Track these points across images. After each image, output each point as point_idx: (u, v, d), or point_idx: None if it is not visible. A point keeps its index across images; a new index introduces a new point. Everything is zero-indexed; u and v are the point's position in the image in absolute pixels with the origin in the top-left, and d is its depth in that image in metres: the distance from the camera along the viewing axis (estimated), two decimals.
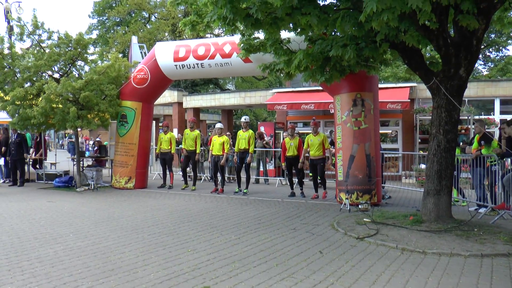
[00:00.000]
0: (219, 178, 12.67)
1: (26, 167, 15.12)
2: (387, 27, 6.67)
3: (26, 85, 12.75)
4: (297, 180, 12.16)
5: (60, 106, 12.17)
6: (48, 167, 16.82)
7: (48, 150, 19.08)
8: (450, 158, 7.70)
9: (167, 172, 13.73)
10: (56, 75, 13.25)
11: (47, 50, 12.88)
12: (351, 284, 4.82)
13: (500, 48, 32.06)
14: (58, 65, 13.13)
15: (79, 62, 13.55)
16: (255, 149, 14.79)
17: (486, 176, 9.28)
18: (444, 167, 7.65)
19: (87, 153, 17.72)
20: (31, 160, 16.02)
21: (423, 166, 13.92)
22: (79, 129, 14.25)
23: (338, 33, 8.20)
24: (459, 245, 6.35)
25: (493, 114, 16.32)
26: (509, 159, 8.55)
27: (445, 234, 6.99)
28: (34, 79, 12.79)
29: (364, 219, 8.17)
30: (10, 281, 4.88)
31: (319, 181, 11.60)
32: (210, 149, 12.60)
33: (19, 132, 14.25)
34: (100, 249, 6.28)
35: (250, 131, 12.39)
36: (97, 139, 18.00)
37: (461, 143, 13.63)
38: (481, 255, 5.93)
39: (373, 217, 8.25)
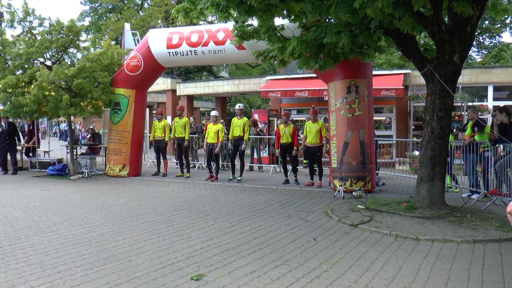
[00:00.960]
0: (214, 165, 12.67)
1: (19, 155, 15.06)
2: (381, 13, 6.64)
3: (17, 73, 12.61)
4: (291, 167, 12.17)
5: (52, 93, 12.06)
6: (41, 155, 16.75)
7: (41, 138, 18.97)
8: (443, 145, 7.73)
9: (161, 160, 13.72)
10: (48, 63, 13.11)
11: (39, 37, 12.72)
12: (345, 271, 4.86)
13: (494, 35, 32.06)
14: (50, 52, 12.98)
15: (72, 50, 13.39)
16: (249, 136, 14.80)
17: (479, 163, 9.33)
18: (438, 154, 7.68)
19: (82, 141, 17.65)
20: (24, 148, 15.94)
21: (416, 153, 13.98)
22: (72, 117, 14.17)
23: (332, 20, 8.16)
24: (452, 231, 6.41)
25: (486, 101, 16.37)
26: (501, 145, 8.59)
27: (438, 220, 7.04)
28: (26, 66, 12.65)
29: (358, 206, 8.21)
30: (4, 269, 4.87)
31: (315, 168, 11.61)
32: (205, 137, 12.58)
33: (10, 121, 14.15)
34: (95, 237, 6.27)
35: (245, 119, 12.36)
36: (91, 126, 17.95)
37: (454, 130, 13.68)
38: (473, 241, 5.99)
39: (367, 204, 8.30)
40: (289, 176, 12.06)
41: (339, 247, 5.81)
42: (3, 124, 13.96)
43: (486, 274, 4.75)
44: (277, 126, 16.32)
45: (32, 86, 12.07)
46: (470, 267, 4.98)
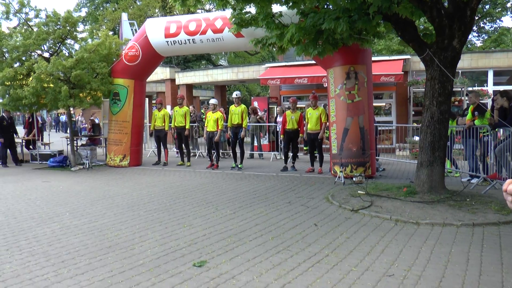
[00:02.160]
0: (214, 154, 12.69)
1: (19, 148, 15.10)
2: None
3: (15, 65, 12.58)
4: (291, 154, 12.15)
5: (51, 85, 12.04)
6: (42, 148, 16.78)
7: (45, 131, 18.99)
8: (443, 130, 7.74)
9: (162, 149, 13.75)
10: (46, 54, 13.08)
11: (35, 29, 12.67)
12: (346, 256, 4.90)
13: (495, 19, 31.84)
14: (47, 44, 12.94)
15: (69, 41, 13.36)
16: (249, 124, 14.81)
17: (478, 147, 9.36)
18: (438, 139, 7.70)
19: (82, 132, 17.68)
20: (24, 141, 15.96)
21: (416, 138, 13.99)
22: (72, 109, 14.17)
23: (330, 6, 8.12)
24: (452, 215, 6.45)
25: (487, 86, 16.33)
26: (501, 130, 8.60)
27: (438, 204, 7.08)
28: (24, 58, 12.62)
29: (359, 192, 8.25)
30: (9, 260, 4.92)
31: (315, 155, 11.63)
32: (205, 125, 12.59)
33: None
34: (97, 227, 6.32)
35: (243, 106, 12.33)
36: (91, 118, 17.95)
37: (457, 117, 13.66)
38: (472, 224, 6.03)
39: (367, 189, 8.33)
40: (288, 164, 12.04)
41: (340, 232, 5.85)
42: (5, 116, 13.95)
43: (485, 256, 4.80)
44: (276, 114, 16.38)
45: (30, 79, 12.05)
46: (469, 250, 5.03)
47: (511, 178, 7.79)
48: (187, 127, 13.10)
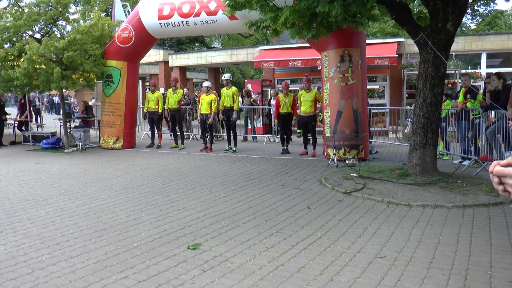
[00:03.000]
0: (208, 136, 12.69)
1: (12, 130, 15.03)
2: None
3: (6, 46, 12.44)
4: (285, 136, 12.16)
5: (43, 67, 11.94)
6: (34, 129, 16.70)
7: (39, 116, 18.89)
8: (436, 112, 7.79)
9: (155, 132, 13.73)
10: (37, 35, 12.93)
11: (26, 10, 12.50)
12: (338, 238, 4.97)
13: (489, 2, 31.72)
14: (38, 25, 12.79)
15: (61, 22, 13.21)
16: (242, 106, 14.80)
17: (470, 129, 9.43)
18: (430, 121, 7.75)
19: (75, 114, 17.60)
20: (16, 122, 15.88)
21: (410, 120, 14.05)
22: (66, 91, 14.09)
23: None
24: (443, 197, 6.53)
25: (480, 68, 16.37)
26: (492, 112, 8.66)
27: (429, 186, 7.16)
28: (14, 39, 12.47)
29: (351, 174, 8.31)
30: (3, 242, 4.95)
31: (309, 137, 11.66)
32: (199, 107, 12.55)
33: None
34: (91, 209, 6.35)
35: (233, 88, 12.24)
36: (92, 100, 17.83)
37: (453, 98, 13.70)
38: (463, 206, 6.12)
39: (360, 172, 8.40)
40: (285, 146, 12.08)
41: (333, 215, 5.92)
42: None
43: (475, 237, 4.88)
44: (270, 96, 16.36)
45: (22, 60, 11.93)
46: (459, 231, 5.11)
47: (501, 159, 7.89)
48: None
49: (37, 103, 20.22)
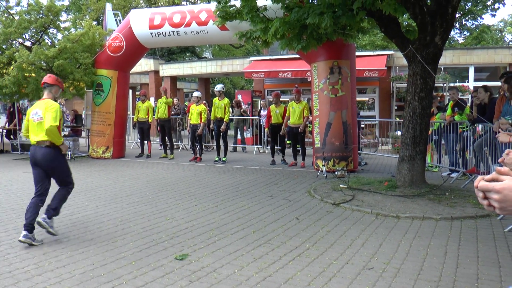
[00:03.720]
0: (197, 146, 12.68)
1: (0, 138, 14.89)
2: None
3: None
4: (280, 147, 12.18)
5: (33, 75, 11.88)
6: (23, 138, 16.53)
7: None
8: (424, 125, 7.86)
9: (145, 141, 13.68)
10: (28, 43, 12.89)
11: (17, 17, 12.46)
12: (327, 249, 4.97)
13: (476, 16, 32.21)
14: (29, 33, 12.76)
15: (52, 30, 13.18)
16: (232, 117, 14.80)
17: (458, 142, 9.51)
18: (419, 133, 7.81)
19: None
20: (4, 130, 15.73)
21: (399, 133, 14.15)
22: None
23: (315, 1, 8.14)
24: (431, 209, 6.57)
25: (468, 82, 16.58)
26: (480, 125, 8.76)
27: (418, 198, 7.21)
28: (4, 47, 12.42)
29: (340, 186, 8.33)
30: None
31: (298, 149, 11.69)
32: (188, 118, 12.56)
33: None
34: (79, 219, 6.29)
35: (226, 100, 12.28)
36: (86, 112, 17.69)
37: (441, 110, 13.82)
38: (451, 218, 6.16)
39: (349, 183, 8.42)
40: (276, 157, 12.10)
41: (321, 226, 5.92)
42: None
43: (462, 249, 4.91)
44: (260, 107, 16.41)
45: (11, 67, 11.87)
46: (447, 243, 5.14)
47: (488, 172, 7.96)
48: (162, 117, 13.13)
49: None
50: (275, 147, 12.27)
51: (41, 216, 5.28)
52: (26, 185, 8.89)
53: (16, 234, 5.53)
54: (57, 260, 4.62)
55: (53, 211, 5.35)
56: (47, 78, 5.56)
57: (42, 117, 5.24)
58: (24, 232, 5.02)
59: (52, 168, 5.37)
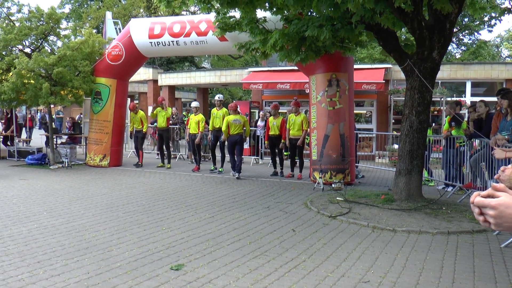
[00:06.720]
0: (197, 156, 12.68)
1: None
2: (363, 8, 6.72)
3: None
4: (278, 159, 12.18)
5: (32, 82, 11.89)
6: (20, 144, 16.51)
7: (27, 131, 18.77)
8: (422, 139, 7.89)
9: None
10: (27, 50, 12.91)
11: (17, 24, 12.50)
12: (323, 261, 4.96)
13: (473, 32, 32.49)
14: (29, 40, 12.79)
15: (52, 37, 13.22)
16: None
17: (456, 156, 9.55)
18: (416, 148, 7.83)
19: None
20: (1, 136, 15.70)
21: (396, 146, 14.18)
22: (60, 107, 14.02)
23: (314, 14, 8.21)
24: (428, 223, 6.57)
25: (465, 96, 16.67)
26: (477, 140, 8.80)
27: (414, 212, 7.20)
28: (4, 53, 12.44)
29: (337, 198, 8.33)
30: None
31: (296, 160, 11.69)
32: (187, 127, 12.58)
33: None
34: (75, 227, 6.26)
35: (224, 110, 12.32)
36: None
37: (433, 124, 13.93)
38: (447, 233, 6.16)
39: (346, 196, 8.42)
40: (277, 168, 12.09)
41: (317, 238, 5.91)
42: None
43: (458, 264, 4.91)
44: (258, 118, 16.43)
45: (10, 74, 11.87)
46: (443, 257, 5.14)
47: (485, 187, 7.98)
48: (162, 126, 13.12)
49: (28, 116, 20.02)
50: (275, 159, 12.23)
51: None
52: (22, 192, 8.86)
53: (11, 242, 5.51)
54: (51, 268, 4.60)
55: None
56: None
57: None
58: None
59: None
